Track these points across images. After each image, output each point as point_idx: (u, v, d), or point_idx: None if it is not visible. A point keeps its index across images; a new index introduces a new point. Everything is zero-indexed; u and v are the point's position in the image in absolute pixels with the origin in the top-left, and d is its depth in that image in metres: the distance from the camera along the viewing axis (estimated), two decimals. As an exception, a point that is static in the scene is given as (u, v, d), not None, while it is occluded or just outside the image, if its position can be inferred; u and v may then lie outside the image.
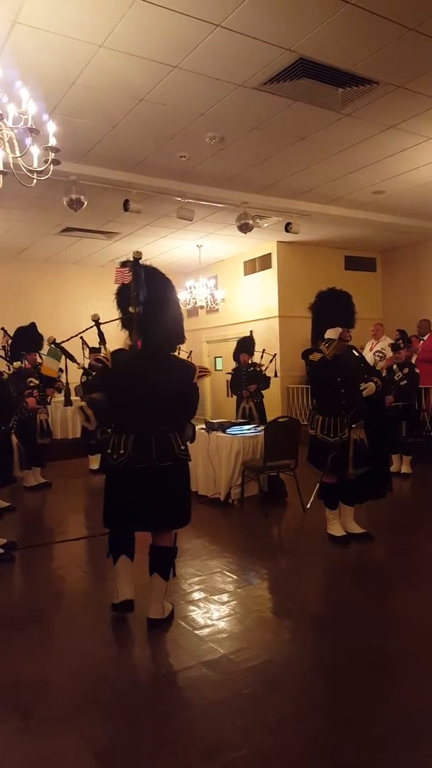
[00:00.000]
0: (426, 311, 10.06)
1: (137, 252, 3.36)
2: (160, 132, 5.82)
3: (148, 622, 3.33)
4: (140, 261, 3.27)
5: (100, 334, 6.90)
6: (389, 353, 7.45)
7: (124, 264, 3.40)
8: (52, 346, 5.57)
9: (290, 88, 4.99)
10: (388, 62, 4.61)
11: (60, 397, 6.66)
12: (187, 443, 3.38)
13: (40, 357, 6.47)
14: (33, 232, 9.05)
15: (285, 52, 4.45)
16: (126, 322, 3.35)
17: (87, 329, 6.91)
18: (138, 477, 3.17)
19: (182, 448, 3.28)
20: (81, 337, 6.92)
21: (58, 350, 5.73)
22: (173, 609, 3.50)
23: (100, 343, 6.15)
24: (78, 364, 6.15)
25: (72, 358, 6.75)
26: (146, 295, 3.20)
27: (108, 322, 6.91)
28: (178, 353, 3.58)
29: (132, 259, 3.29)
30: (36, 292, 10.89)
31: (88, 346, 7.31)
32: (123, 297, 3.35)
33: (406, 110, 5.47)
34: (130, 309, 3.24)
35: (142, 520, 3.27)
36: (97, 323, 6.88)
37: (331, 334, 4.49)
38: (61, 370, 5.96)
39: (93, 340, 7.09)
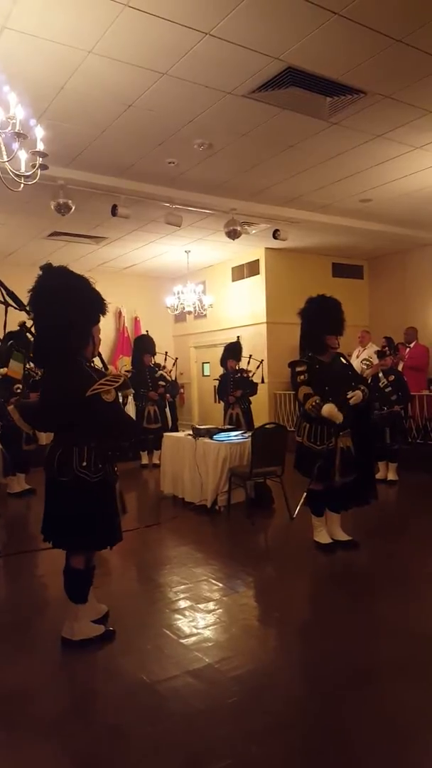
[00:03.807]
0: (412, 319, 10.15)
1: None
2: (148, 138, 5.82)
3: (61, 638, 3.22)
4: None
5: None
6: (375, 361, 7.49)
7: None
8: (16, 351, 5.73)
9: (278, 97, 5.02)
10: (375, 72, 4.66)
11: None
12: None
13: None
14: (20, 235, 9.00)
15: (273, 61, 4.48)
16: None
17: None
18: (48, 486, 3.19)
19: (83, 464, 3.01)
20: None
21: (22, 355, 5.87)
22: (97, 638, 3.22)
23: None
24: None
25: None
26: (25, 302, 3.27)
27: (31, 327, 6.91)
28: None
29: None
30: (22, 296, 10.82)
31: None
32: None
33: (392, 120, 5.53)
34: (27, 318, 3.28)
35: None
36: (27, 329, 6.89)
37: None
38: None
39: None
